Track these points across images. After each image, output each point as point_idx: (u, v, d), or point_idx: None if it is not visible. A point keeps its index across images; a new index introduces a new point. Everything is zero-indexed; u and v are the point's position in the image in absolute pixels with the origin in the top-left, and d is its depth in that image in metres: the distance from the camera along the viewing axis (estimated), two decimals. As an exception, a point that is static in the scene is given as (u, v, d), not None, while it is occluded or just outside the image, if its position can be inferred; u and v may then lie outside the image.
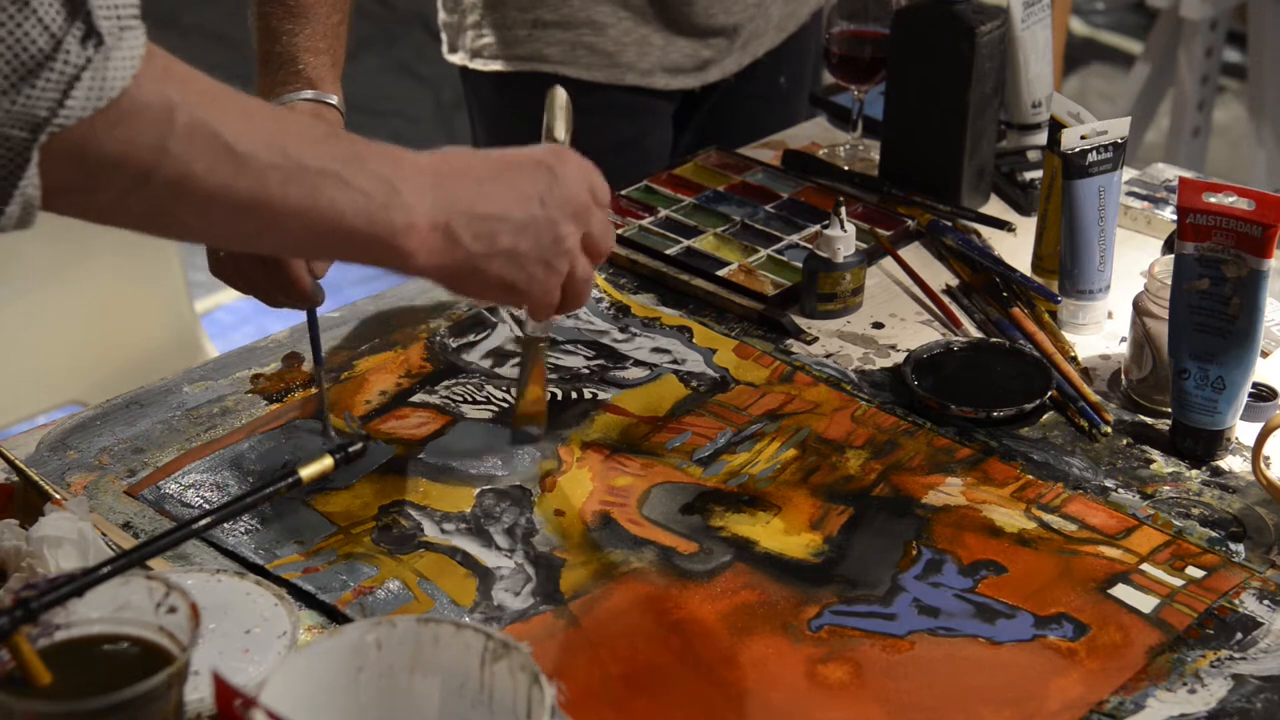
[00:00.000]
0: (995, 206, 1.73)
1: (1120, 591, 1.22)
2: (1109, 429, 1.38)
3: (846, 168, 1.79)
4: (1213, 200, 1.31)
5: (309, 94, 1.38)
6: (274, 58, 1.38)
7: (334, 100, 1.40)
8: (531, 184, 1.11)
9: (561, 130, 1.26)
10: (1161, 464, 1.35)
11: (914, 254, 1.65)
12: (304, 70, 1.38)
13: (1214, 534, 1.27)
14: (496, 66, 1.81)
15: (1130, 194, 1.72)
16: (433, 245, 1.07)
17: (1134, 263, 1.61)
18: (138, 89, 0.95)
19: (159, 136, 0.96)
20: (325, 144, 1.03)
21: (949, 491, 1.31)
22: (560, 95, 1.28)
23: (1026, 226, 1.65)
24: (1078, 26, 4.56)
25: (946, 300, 1.56)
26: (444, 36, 1.88)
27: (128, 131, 0.95)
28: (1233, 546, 1.26)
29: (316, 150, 1.02)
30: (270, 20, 1.40)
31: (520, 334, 1.27)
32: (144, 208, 0.99)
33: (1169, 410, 1.37)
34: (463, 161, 1.09)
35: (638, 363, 1.46)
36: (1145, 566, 1.24)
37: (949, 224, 1.66)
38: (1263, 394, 1.41)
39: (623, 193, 1.72)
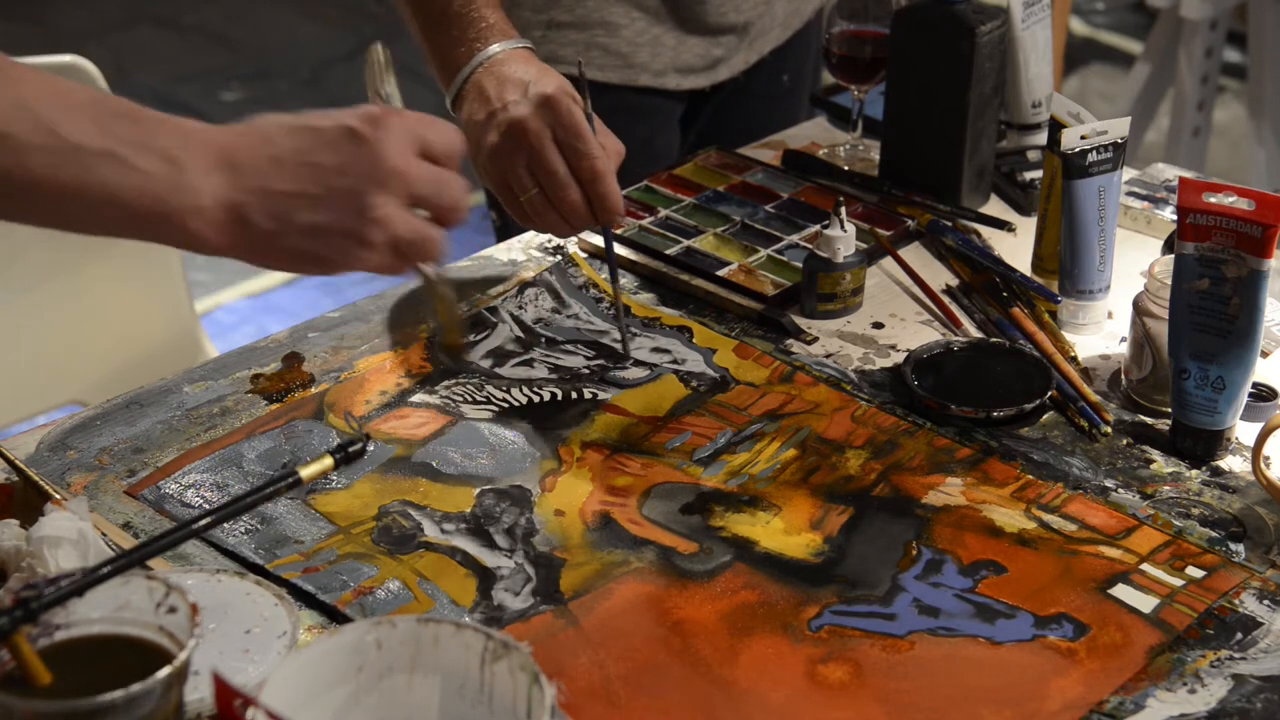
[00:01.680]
0: (995, 206, 1.73)
1: (1120, 591, 1.22)
2: (1109, 429, 1.38)
3: (846, 168, 1.79)
4: (1213, 200, 1.31)
5: (511, 43, 1.46)
6: (457, 19, 1.47)
7: (529, 44, 1.47)
8: (334, 154, 1.07)
9: (388, 86, 1.19)
10: (1161, 464, 1.35)
11: (914, 254, 1.65)
12: (495, 24, 1.47)
13: (1214, 534, 1.27)
14: None
15: (1130, 194, 1.72)
16: (222, 226, 1.05)
17: (1134, 263, 1.61)
18: None
19: None
20: (112, 123, 1.02)
21: (949, 491, 1.31)
22: (379, 52, 1.25)
23: (1026, 226, 1.65)
24: (1078, 26, 4.56)
25: (946, 300, 1.56)
26: None
27: None
28: (1233, 546, 1.26)
29: (98, 129, 1.01)
30: None
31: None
32: None
33: (1169, 410, 1.37)
34: (261, 134, 1.07)
35: (638, 363, 1.46)
36: (1145, 566, 1.24)
37: (949, 224, 1.66)
38: (1263, 394, 1.41)
39: (623, 193, 1.71)
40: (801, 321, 1.52)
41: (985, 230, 1.67)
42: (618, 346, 1.48)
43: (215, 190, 1.04)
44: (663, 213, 1.68)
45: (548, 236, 1.64)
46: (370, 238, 1.09)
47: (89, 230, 1.05)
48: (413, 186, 1.09)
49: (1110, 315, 1.54)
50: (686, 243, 1.63)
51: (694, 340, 1.50)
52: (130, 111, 1.03)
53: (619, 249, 1.61)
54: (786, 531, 1.27)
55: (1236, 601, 1.21)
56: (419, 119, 1.11)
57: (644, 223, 1.66)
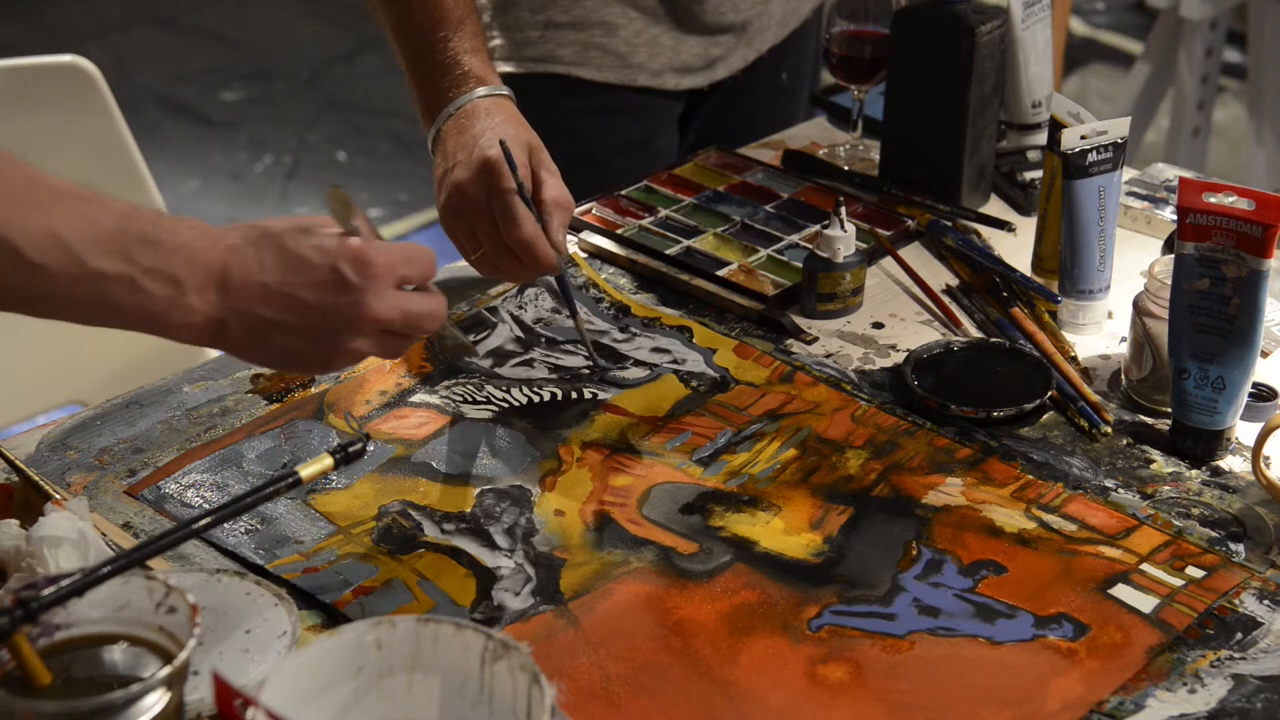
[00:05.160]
0: (995, 206, 1.73)
1: (1120, 591, 1.22)
2: (1109, 429, 1.38)
3: (846, 168, 1.79)
4: (1213, 200, 1.31)
5: (484, 90, 1.46)
6: (437, 65, 1.48)
7: (506, 91, 1.48)
8: (318, 294, 1.12)
9: (358, 223, 1.21)
10: (1161, 464, 1.35)
11: (914, 254, 1.65)
12: (471, 71, 1.47)
13: (1214, 534, 1.27)
14: (507, 68, 1.81)
15: (1130, 194, 1.72)
16: (205, 335, 1.12)
17: (1134, 263, 1.61)
18: None
19: None
20: (133, 249, 1.08)
21: (949, 491, 1.31)
22: (340, 194, 1.24)
23: (1026, 226, 1.66)
24: (1078, 26, 4.55)
25: (946, 300, 1.56)
26: None
27: None
28: (1233, 546, 1.26)
29: (117, 257, 1.07)
30: (419, 30, 1.49)
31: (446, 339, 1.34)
32: None
33: (1169, 410, 1.37)
34: (258, 259, 1.12)
35: (638, 363, 1.46)
36: (1145, 566, 1.24)
37: (949, 224, 1.66)
38: (1263, 394, 1.41)
39: (623, 193, 1.72)
40: (801, 321, 1.52)
41: (985, 230, 1.67)
42: (617, 347, 1.48)
43: (207, 308, 1.11)
44: (663, 213, 1.68)
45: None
46: (337, 365, 1.16)
47: (79, 323, 1.12)
48: (387, 327, 1.15)
49: (1110, 315, 1.54)
50: (686, 243, 1.63)
51: (694, 340, 1.50)
52: (149, 234, 1.09)
53: (618, 249, 1.62)
54: (786, 531, 1.27)
55: (1236, 601, 1.21)
56: (399, 256, 1.15)
57: (644, 223, 1.66)
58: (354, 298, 1.12)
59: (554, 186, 1.41)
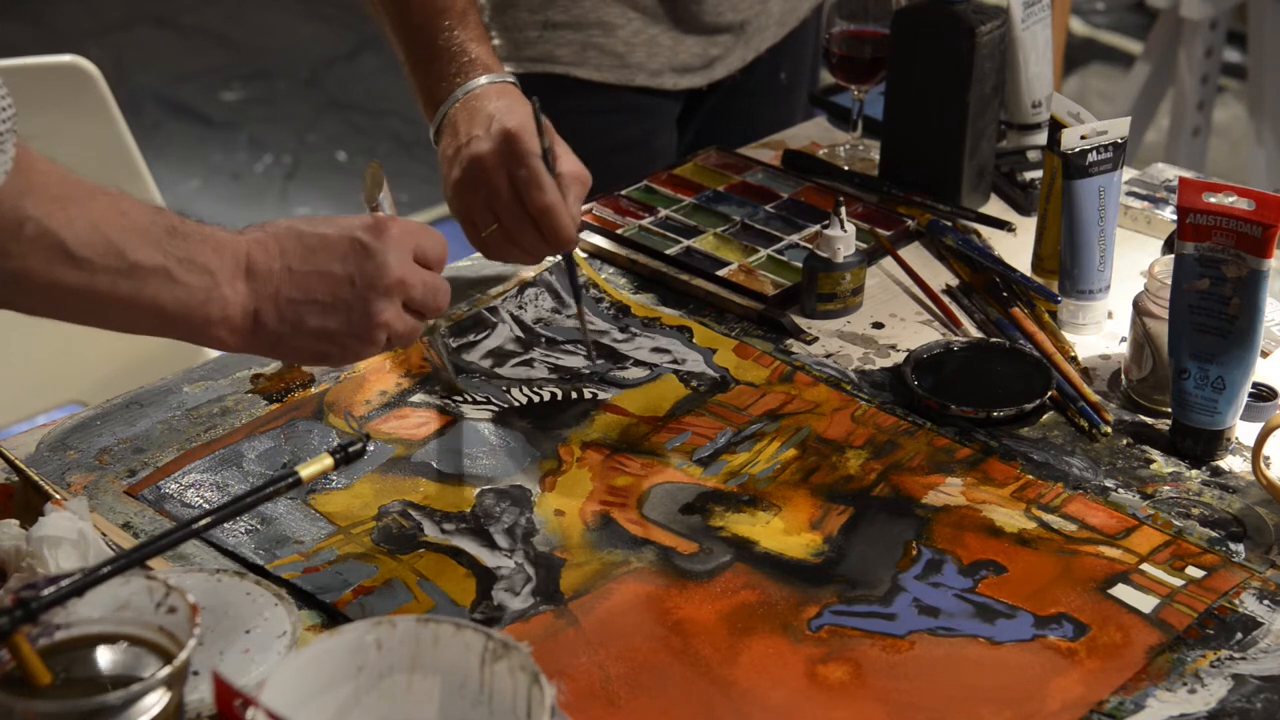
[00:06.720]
0: (995, 206, 1.73)
1: (1120, 591, 1.22)
2: (1109, 429, 1.38)
3: (846, 168, 1.79)
4: (1213, 200, 1.31)
5: (490, 78, 1.48)
6: (441, 54, 1.50)
7: (512, 79, 1.50)
8: (343, 264, 1.17)
9: (384, 204, 1.30)
10: (1161, 464, 1.35)
11: (914, 254, 1.65)
12: (478, 59, 1.49)
13: (1214, 534, 1.27)
14: (506, 69, 1.81)
15: (1130, 194, 1.72)
16: (242, 330, 1.15)
17: (1134, 263, 1.61)
18: None
19: (3, 241, 1.05)
20: (165, 241, 1.11)
21: (949, 491, 1.31)
22: (376, 172, 1.31)
23: (1026, 226, 1.65)
24: (1078, 26, 4.55)
25: (946, 300, 1.56)
26: None
27: None
28: (1233, 546, 1.26)
29: (154, 249, 1.11)
30: (421, 20, 1.50)
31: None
32: None
33: (1169, 410, 1.38)
34: (277, 242, 1.16)
35: (638, 363, 1.46)
36: (1145, 566, 1.24)
37: (949, 224, 1.66)
38: (1263, 394, 1.41)
39: (623, 193, 1.72)
40: (801, 321, 1.52)
41: (985, 230, 1.67)
42: (617, 346, 1.48)
43: (240, 299, 1.14)
44: (663, 213, 1.68)
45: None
46: (374, 339, 1.20)
47: (120, 329, 1.15)
48: (410, 293, 1.19)
49: (1110, 315, 1.54)
50: (686, 243, 1.63)
51: (694, 340, 1.50)
52: (178, 227, 1.12)
53: (618, 249, 1.62)
54: (786, 531, 1.27)
55: (1236, 601, 1.21)
56: (415, 227, 1.21)
57: (644, 223, 1.66)
58: (376, 260, 1.17)
59: (570, 161, 1.42)
